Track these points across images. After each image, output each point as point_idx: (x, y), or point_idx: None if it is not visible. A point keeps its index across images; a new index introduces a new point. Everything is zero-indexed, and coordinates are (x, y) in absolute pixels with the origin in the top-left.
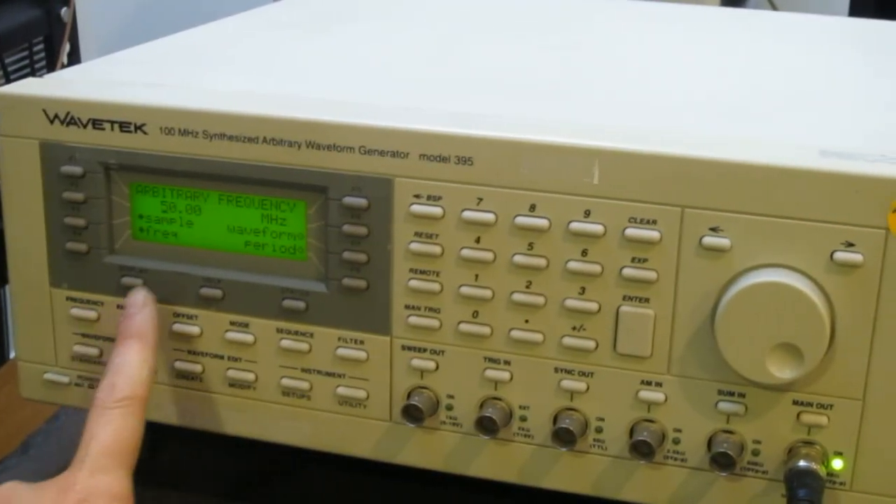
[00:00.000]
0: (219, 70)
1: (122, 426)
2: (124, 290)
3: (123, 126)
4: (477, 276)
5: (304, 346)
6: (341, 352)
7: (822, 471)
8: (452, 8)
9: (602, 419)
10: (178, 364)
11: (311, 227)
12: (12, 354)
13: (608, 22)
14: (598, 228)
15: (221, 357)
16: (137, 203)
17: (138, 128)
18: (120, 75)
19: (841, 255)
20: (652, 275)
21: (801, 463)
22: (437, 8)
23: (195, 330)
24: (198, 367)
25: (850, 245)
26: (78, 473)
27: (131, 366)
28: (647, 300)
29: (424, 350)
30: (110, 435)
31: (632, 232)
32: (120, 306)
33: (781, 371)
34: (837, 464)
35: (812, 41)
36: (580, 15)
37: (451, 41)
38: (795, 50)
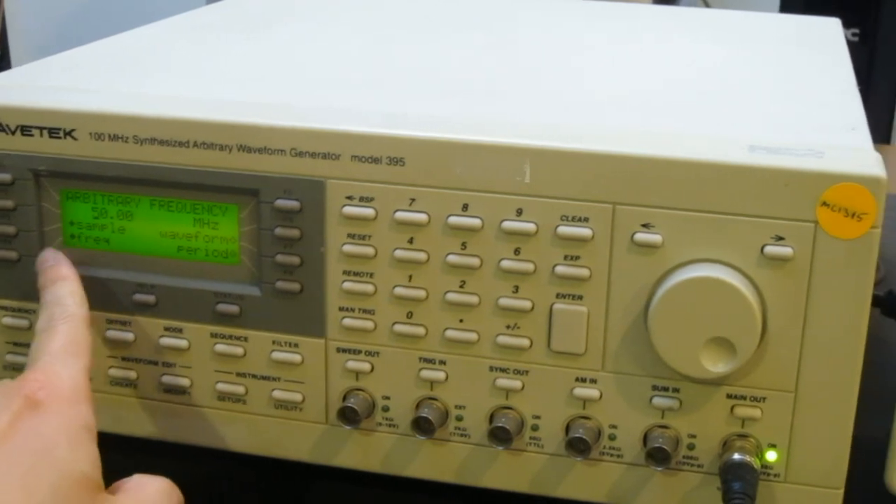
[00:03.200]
0: (149, 74)
1: (72, 331)
2: None
3: (52, 132)
4: (410, 276)
5: (238, 351)
6: (276, 355)
7: (756, 463)
8: (383, 8)
9: (538, 417)
10: (112, 371)
11: (244, 230)
12: None
13: (539, 20)
14: (531, 227)
15: (156, 363)
16: (68, 210)
17: (68, 133)
18: (49, 80)
19: (771, 249)
20: (585, 272)
21: (736, 456)
22: (368, 8)
23: (129, 336)
24: (132, 374)
25: (780, 239)
26: (34, 366)
27: (63, 297)
28: (580, 297)
29: (359, 352)
30: (62, 338)
31: (564, 230)
32: None
33: (715, 365)
34: (771, 456)
35: (743, 38)
36: (510, 13)
37: (381, 42)
38: (727, 46)
